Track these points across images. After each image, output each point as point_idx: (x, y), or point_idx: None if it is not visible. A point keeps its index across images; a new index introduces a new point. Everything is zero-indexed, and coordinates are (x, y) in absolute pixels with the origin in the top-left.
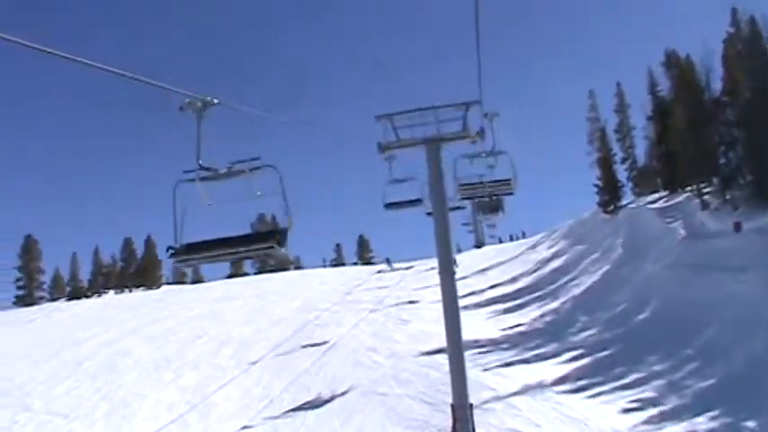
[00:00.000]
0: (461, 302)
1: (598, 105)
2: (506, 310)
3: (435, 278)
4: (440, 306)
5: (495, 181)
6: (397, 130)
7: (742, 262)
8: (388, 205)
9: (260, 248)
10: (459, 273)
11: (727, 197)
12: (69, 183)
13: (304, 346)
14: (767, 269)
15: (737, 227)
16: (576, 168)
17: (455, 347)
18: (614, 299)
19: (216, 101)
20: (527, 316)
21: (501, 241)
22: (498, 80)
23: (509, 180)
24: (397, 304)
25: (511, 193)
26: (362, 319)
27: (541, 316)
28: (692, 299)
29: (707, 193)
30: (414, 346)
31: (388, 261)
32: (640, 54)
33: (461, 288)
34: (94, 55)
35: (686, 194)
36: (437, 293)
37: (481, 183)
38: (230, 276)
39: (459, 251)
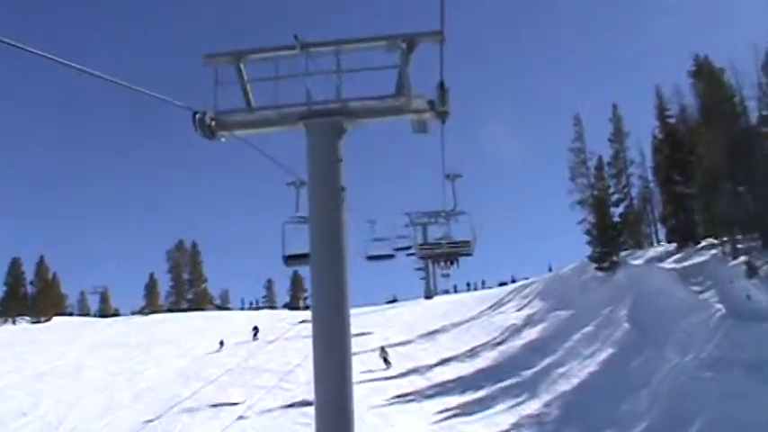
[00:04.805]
0: (398, 386)
1: (585, 132)
2: (462, 410)
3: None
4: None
5: (455, 242)
6: (252, 86)
7: None
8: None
9: None
10: (400, 336)
11: None
12: None
13: None
14: None
15: None
16: (552, 209)
17: None
18: (627, 409)
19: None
20: (493, 424)
21: (456, 290)
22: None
23: (468, 242)
24: (308, 381)
25: (470, 255)
26: (252, 405)
27: (516, 427)
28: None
29: (744, 250)
30: None
31: (255, 330)
32: (639, 73)
33: (401, 360)
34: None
35: (713, 251)
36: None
37: (440, 243)
38: (142, 309)
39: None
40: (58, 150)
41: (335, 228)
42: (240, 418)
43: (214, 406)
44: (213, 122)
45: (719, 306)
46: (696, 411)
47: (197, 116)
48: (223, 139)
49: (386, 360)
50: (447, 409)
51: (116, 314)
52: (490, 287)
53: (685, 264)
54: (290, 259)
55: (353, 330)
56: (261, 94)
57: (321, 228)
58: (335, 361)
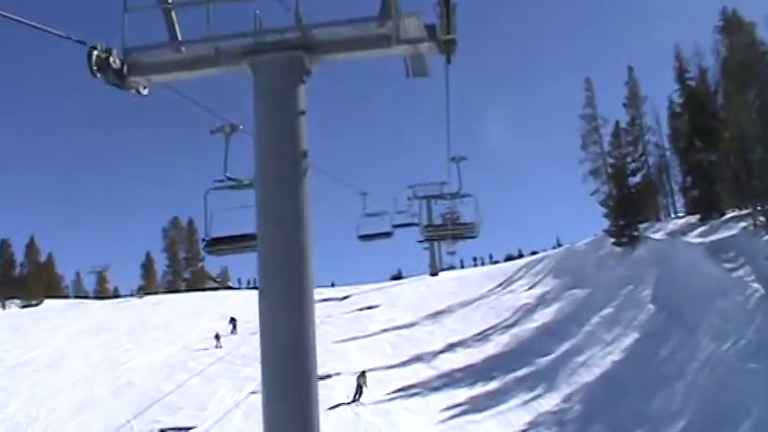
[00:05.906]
0: (401, 376)
1: (595, 98)
2: (471, 405)
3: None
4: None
5: (460, 224)
6: (179, 15)
7: None
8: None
9: None
10: (404, 318)
11: None
12: None
13: None
14: None
15: None
16: (559, 180)
17: None
18: (660, 404)
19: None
20: (507, 423)
21: (463, 265)
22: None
23: (474, 224)
24: None
25: (475, 237)
26: (240, 402)
27: (533, 426)
28: None
29: None
30: None
31: (232, 321)
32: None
33: (404, 344)
34: None
35: (741, 224)
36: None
37: (445, 225)
38: (140, 289)
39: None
40: (53, 133)
41: (294, 207)
42: (224, 417)
43: (200, 402)
44: (124, 65)
45: (757, 285)
46: (741, 408)
47: (95, 54)
48: (145, 90)
49: (360, 388)
50: (454, 405)
51: (116, 295)
52: (497, 261)
53: (712, 238)
54: (217, 244)
55: (354, 307)
56: (191, 25)
57: (274, 206)
58: (292, 405)
